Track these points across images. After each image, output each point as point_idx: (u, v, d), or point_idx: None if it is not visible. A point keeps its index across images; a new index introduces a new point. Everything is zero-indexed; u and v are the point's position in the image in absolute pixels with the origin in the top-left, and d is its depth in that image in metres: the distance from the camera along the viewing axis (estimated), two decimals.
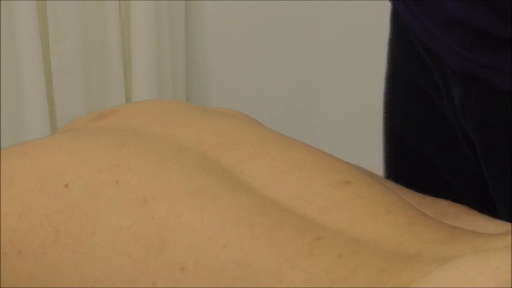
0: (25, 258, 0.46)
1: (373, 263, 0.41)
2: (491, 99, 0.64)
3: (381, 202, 0.47)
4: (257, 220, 0.44)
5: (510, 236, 0.41)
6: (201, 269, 0.42)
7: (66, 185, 0.47)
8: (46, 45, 1.73)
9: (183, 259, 0.43)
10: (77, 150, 0.51)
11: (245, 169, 0.48)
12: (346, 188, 0.47)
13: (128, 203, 0.46)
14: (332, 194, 0.47)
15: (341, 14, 1.90)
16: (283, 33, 1.93)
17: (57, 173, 0.49)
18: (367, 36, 1.95)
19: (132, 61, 1.82)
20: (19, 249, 0.46)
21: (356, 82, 1.98)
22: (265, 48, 1.95)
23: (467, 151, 0.69)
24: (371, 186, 0.48)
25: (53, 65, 1.74)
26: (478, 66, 0.63)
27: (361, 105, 2.00)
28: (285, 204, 0.46)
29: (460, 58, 0.64)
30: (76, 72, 1.76)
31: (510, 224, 0.51)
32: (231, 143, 0.51)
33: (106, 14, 1.77)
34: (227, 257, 0.42)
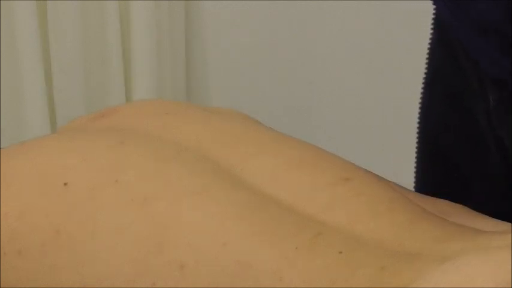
0: (25, 258, 0.46)
1: (373, 260, 0.41)
2: None
3: (382, 199, 0.47)
4: (257, 218, 0.44)
5: (511, 234, 0.41)
6: (201, 268, 0.42)
7: (65, 184, 0.47)
8: (46, 45, 1.73)
9: (183, 258, 0.43)
10: (76, 150, 0.51)
11: (245, 168, 0.48)
12: (347, 185, 0.47)
13: (128, 202, 0.46)
14: (332, 191, 0.47)
15: (341, 14, 1.91)
16: (283, 33, 1.93)
17: (56, 173, 0.49)
18: (367, 36, 1.95)
19: (132, 61, 1.82)
20: (19, 249, 0.46)
21: (356, 82, 1.98)
22: (265, 48, 1.95)
23: (500, 161, 0.69)
24: (371, 183, 0.48)
25: (53, 65, 1.74)
26: None
27: (361, 106, 2.00)
28: (285, 202, 0.46)
29: (497, 64, 0.64)
30: (76, 72, 1.76)
31: (510, 223, 0.51)
32: (231, 142, 0.51)
33: (106, 14, 1.77)
34: (227, 256, 0.42)
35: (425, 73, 0.75)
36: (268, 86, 1.96)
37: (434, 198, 0.56)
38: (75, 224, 0.46)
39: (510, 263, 0.35)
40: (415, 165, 0.76)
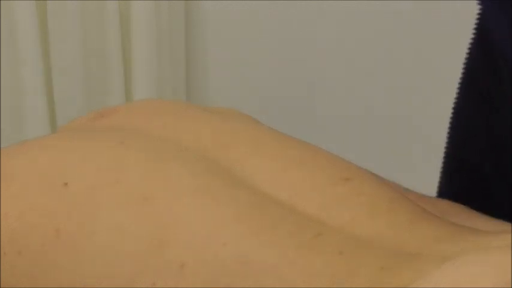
0: (25, 258, 0.46)
1: (373, 260, 0.41)
2: None
3: (382, 199, 0.47)
4: (257, 218, 0.44)
5: (511, 234, 0.41)
6: (201, 268, 0.42)
7: (65, 184, 0.47)
8: (46, 45, 1.73)
9: (183, 258, 0.43)
10: (76, 150, 0.51)
11: (245, 168, 0.48)
12: (347, 185, 0.47)
13: (128, 201, 0.46)
14: (332, 191, 0.47)
15: (341, 14, 1.91)
16: (283, 33, 1.94)
17: (56, 172, 0.49)
18: (367, 36, 1.95)
19: (132, 61, 1.82)
20: (19, 249, 0.46)
21: (356, 82, 1.98)
22: (265, 48, 1.95)
23: None
24: (371, 183, 0.48)
25: (53, 65, 1.74)
26: None
27: (361, 106, 2.00)
28: (285, 202, 0.46)
29: None
30: (76, 72, 1.76)
31: (510, 223, 0.51)
32: (231, 142, 0.51)
33: (106, 14, 1.77)
34: (227, 255, 0.42)
35: (462, 73, 0.74)
36: (268, 86, 1.96)
37: (435, 198, 0.56)
38: (75, 224, 0.46)
39: (510, 263, 0.35)
40: (441, 167, 0.75)
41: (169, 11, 1.83)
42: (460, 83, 0.74)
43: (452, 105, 0.74)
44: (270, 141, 0.52)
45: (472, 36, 0.73)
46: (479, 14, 0.72)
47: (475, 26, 0.72)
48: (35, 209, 0.47)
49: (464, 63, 0.74)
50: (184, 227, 0.44)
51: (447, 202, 0.56)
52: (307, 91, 1.96)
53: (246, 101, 1.89)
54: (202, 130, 0.52)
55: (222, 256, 0.42)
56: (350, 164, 0.51)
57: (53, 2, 1.70)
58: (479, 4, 0.70)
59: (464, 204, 0.55)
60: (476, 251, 0.38)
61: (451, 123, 0.75)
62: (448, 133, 0.75)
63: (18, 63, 1.67)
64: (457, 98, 0.74)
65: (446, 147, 0.75)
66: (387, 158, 1.85)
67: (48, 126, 1.73)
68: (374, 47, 1.91)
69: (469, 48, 0.73)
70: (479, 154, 0.71)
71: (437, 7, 1.81)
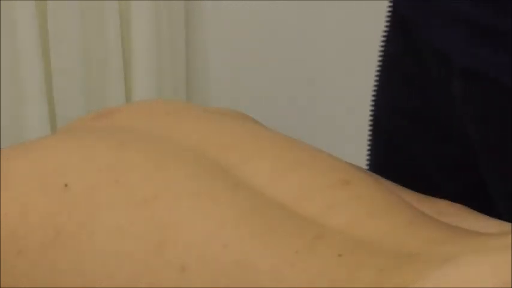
0: (25, 258, 0.46)
1: (373, 262, 0.41)
2: (496, 95, 0.64)
3: (381, 201, 0.47)
4: (257, 220, 0.44)
5: (510, 235, 0.41)
6: (201, 269, 0.42)
7: (66, 185, 0.47)
8: (46, 45, 1.73)
9: (183, 259, 0.43)
10: (76, 150, 0.51)
11: (245, 169, 0.48)
12: (346, 188, 0.47)
13: (128, 203, 0.46)
14: (332, 193, 0.47)
15: (341, 14, 1.91)
16: (283, 33, 1.93)
17: (57, 173, 0.49)
18: (367, 36, 1.95)
19: (132, 61, 1.82)
20: (19, 249, 0.46)
21: (356, 82, 1.98)
22: (265, 48, 1.95)
23: (463, 148, 0.69)
24: (370, 185, 0.48)
25: (53, 65, 1.74)
26: (483, 62, 0.64)
27: (361, 106, 1.99)
28: (285, 204, 0.46)
29: (464, 54, 0.64)
30: (76, 72, 1.76)
31: (510, 224, 0.51)
32: (231, 143, 0.51)
33: (106, 14, 1.77)
34: (227, 257, 0.42)
35: (380, 60, 0.76)
36: (268, 86, 1.95)
37: (434, 198, 0.56)
38: (75, 224, 0.46)
39: (509, 264, 0.35)
40: (368, 148, 0.77)
41: (169, 11, 1.83)
42: (378, 72, 0.76)
43: (373, 89, 0.77)
44: (270, 143, 0.52)
45: (387, 19, 0.75)
46: (390, 4, 0.75)
47: (388, 9, 0.74)
48: (35, 209, 0.47)
49: (382, 51, 0.76)
50: (185, 228, 0.44)
51: (446, 202, 0.56)
52: (307, 91, 1.96)
53: (246, 101, 1.89)
54: (203, 131, 0.52)
55: (222, 258, 0.42)
56: (349, 166, 0.51)
57: (53, 2, 1.70)
58: None
59: (390, 179, 0.56)
60: (476, 252, 0.38)
61: (372, 109, 0.76)
62: (372, 118, 0.77)
63: (18, 64, 1.67)
64: (378, 82, 0.76)
65: (371, 131, 0.77)
66: None
67: (48, 126, 1.73)
68: (375, 47, 1.90)
69: (386, 31, 0.75)
70: (409, 137, 0.72)
71: None
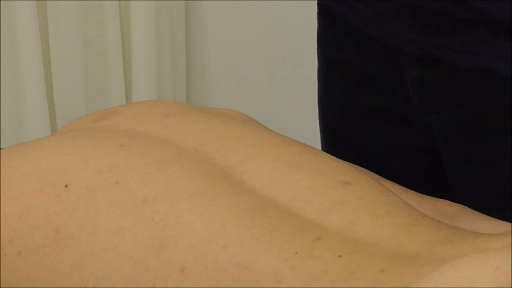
0: (25, 258, 0.46)
1: (372, 263, 0.41)
2: (452, 79, 0.65)
3: (381, 202, 0.47)
4: (257, 221, 0.44)
5: (510, 236, 0.41)
6: (201, 270, 0.42)
7: (66, 186, 0.47)
8: (46, 45, 1.73)
9: (183, 260, 0.43)
10: (77, 151, 0.51)
11: (245, 170, 0.48)
12: (346, 189, 0.47)
13: (128, 203, 0.46)
14: (332, 194, 0.47)
15: None
16: (283, 33, 1.93)
17: (57, 174, 0.49)
18: None
19: (132, 61, 1.82)
20: (19, 249, 0.46)
21: None
22: (265, 48, 1.95)
23: (418, 135, 0.70)
24: (370, 186, 0.48)
25: (53, 65, 1.74)
26: (436, 48, 0.65)
27: None
28: (285, 205, 0.46)
29: (415, 43, 0.65)
30: (76, 72, 1.76)
31: (510, 224, 0.51)
32: (231, 144, 0.51)
33: (106, 14, 1.77)
34: (227, 258, 0.42)
35: (319, 61, 0.76)
36: (268, 86, 1.95)
37: (434, 198, 0.56)
38: (75, 224, 0.46)
39: (509, 264, 0.35)
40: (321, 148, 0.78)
41: (169, 11, 1.83)
42: (318, 71, 0.77)
43: (318, 93, 0.78)
44: (270, 144, 0.52)
45: (319, 26, 0.76)
46: (320, 4, 0.76)
47: (318, 16, 0.76)
48: (36, 210, 0.47)
49: (319, 52, 0.77)
50: (184, 229, 0.44)
51: (447, 202, 0.56)
52: (307, 91, 1.96)
53: (246, 101, 1.88)
54: (202, 132, 0.53)
55: (222, 259, 0.42)
56: (350, 167, 0.51)
57: (53, 2, 1.70)
58: None
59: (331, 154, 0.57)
60: (475, 252, 0.38)
61: (320, 105, 0.78)
62: (320, 116, 0.78)
63: (18, 63, 1.67)
64: (321, 84, 0.77)
65: (321, 128, 0.78)
66: None
67: (48, 127, 1.73)
68: None
69: (319, 38, 0.76)
70: (359, 130, 0.74)
71: None
